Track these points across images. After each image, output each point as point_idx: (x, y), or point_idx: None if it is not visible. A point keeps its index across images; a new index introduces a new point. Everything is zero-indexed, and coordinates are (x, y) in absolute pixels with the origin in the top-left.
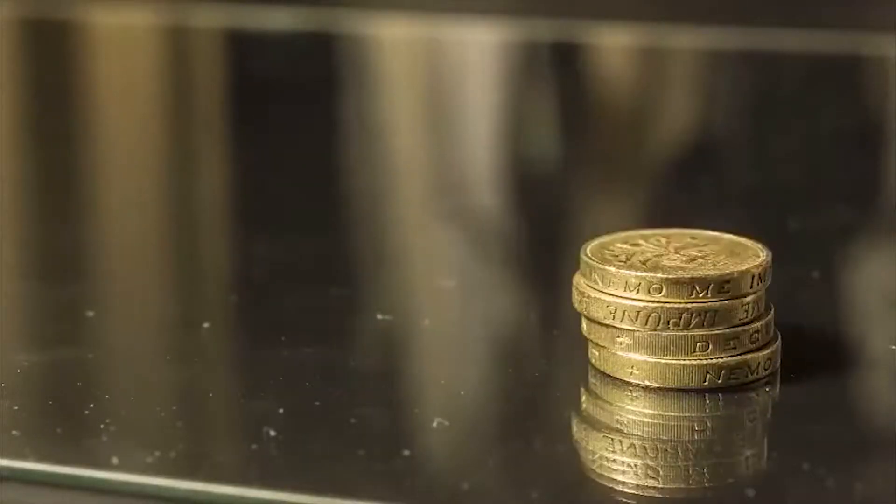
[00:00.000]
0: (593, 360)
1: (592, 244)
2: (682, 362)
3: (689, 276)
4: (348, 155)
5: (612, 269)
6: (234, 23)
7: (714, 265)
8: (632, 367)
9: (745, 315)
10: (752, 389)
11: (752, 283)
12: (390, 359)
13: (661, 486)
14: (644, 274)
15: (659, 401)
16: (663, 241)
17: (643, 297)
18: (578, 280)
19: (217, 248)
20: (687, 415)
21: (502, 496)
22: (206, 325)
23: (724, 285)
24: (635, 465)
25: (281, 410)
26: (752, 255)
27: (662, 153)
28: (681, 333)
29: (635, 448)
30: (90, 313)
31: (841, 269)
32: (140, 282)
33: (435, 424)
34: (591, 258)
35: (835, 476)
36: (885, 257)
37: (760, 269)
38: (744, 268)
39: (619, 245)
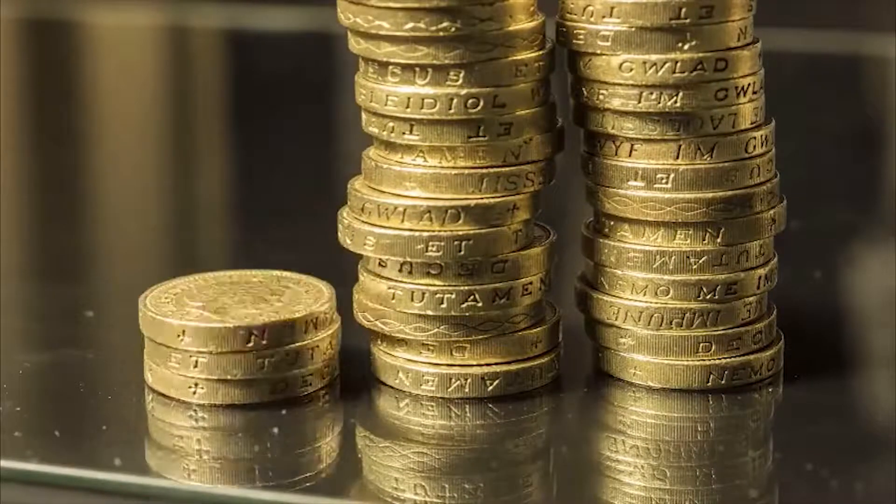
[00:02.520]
0: (597, 361)
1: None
2: (685, 363)
3: (694, 278)
4: (348, 154)
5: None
6: (234, 23)
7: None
8: (634, 368)
9: (747, 315)
10: (755, 390)
11: (759, 284)
12: None
13: (665, 486)
14: (652, 276)
15: (662, 402)
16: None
17: (646, 299)
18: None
19: (217, 248)
20: (690, 416)
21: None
22: None
23: (730, 287)
24: (639, 466)
25: (283, 412)
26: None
27: None
28: (683, 334)
29: (638, 449)
30: (90, 313)
31: (843, 269)
32: (140, 282)
33: None
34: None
35: (838, 477)
36: (886, 257)
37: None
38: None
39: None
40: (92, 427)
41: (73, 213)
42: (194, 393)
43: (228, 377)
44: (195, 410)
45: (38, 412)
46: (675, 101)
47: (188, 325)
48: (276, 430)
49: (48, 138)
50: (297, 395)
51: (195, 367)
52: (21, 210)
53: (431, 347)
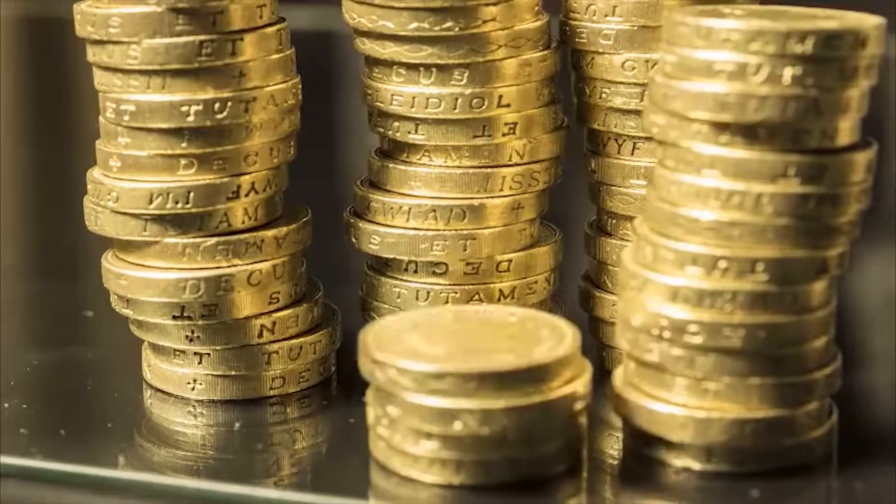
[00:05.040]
0: (601, 360)
1: None
2: None
3: None
4: (353, 154)
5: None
6: None
7: None
8: None
9: None
10: None
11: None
12: None
13: None
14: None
15: None
16: None
17: None
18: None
19: None
20: None
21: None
22: None
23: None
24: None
25: (286, 410)
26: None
27: None
28: None
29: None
30: (90, 313)
31: None
32: None
33: None
34: None
35: (838, 476)
36: (886, 257)
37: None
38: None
39: None
40: (96, 424)
41: (73, 213)
42: (192, 389)
43: (231, 373)
44: (194, 406)
45: (42, 410)
46: None
47: None
48: (276, 428)
49: (48, 138)
50: (294, 391)
51: (199, 363)
52: (21, 210)
53: None
